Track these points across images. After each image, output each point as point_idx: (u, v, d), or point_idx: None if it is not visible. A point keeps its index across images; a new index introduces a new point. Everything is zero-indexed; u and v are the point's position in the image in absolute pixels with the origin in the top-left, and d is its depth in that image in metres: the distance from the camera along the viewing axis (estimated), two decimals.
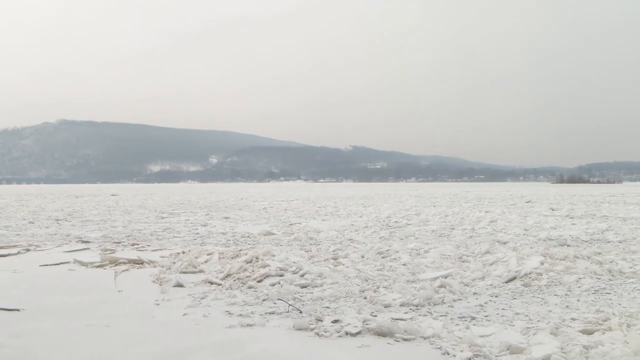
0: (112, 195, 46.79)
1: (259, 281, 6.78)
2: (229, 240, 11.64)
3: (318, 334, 4.55)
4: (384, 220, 16.67)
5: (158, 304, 5.74)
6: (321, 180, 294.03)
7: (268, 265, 7.27)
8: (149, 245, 10.58)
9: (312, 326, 4.73)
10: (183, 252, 8.93)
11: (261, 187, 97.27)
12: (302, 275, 6.96)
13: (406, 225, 14.92)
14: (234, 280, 6.81)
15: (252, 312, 5.31)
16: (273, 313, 5.32)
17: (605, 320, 4.83)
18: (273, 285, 6.54)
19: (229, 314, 5.28)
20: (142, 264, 8.22)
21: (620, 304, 5.67)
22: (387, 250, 9.22)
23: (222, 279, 6.96)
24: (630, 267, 7.71)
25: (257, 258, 7.69)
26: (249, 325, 4.81)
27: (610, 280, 6.99)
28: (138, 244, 10.79)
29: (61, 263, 8.31)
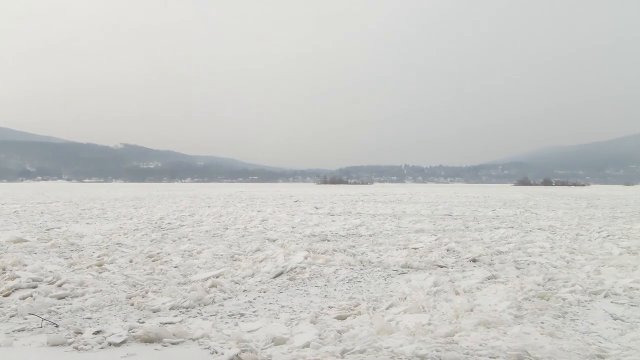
0: None
1: (5, 295, 5.92)
2: None
3: (77, 348, 4.18)
4: (156, 222, 16.07)
5: None
6: (87, 180, 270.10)
7: (18, 277, 6.40)
8: None
9: (70, 340, 4.32)
10: None
11: (13, 188, 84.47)
12: (59, 286, 6.28)
13: (179, 227, 14.63)
14: None
15: None
16: (23, 330, 4.70)
17: (356, 306, 5.49)
18: (24, 298, 5.77)
19: None
20: None
21: (368, 290, 6.48)
22: (159, 253, 8.94)
23: None
24: (377, 258, 8.89)
25: (3, 269, 6.73)
26: None
27: (362, 269, 7.93)
28: None
29: None
